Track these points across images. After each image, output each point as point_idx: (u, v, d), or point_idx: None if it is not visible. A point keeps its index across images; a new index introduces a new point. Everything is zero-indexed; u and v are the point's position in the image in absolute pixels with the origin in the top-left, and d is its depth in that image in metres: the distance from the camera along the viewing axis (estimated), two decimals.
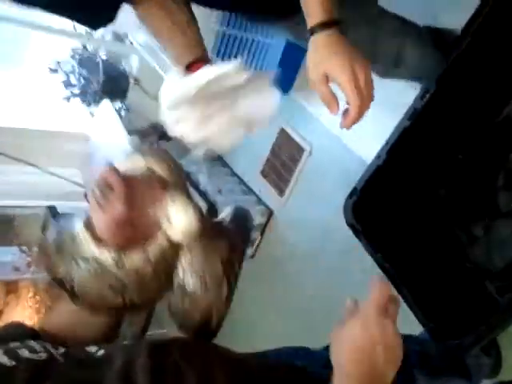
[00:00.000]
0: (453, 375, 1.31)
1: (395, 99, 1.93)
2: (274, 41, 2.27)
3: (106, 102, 2.55)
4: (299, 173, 2.43)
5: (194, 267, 0.71)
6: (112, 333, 0.78)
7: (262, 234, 2.66)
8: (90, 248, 0.63)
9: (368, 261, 1.32)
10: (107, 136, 2.56)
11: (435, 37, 1.58)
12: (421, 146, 1.25)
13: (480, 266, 1.18)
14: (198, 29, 1.12)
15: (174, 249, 0.69)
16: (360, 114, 0.88)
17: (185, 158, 2.85)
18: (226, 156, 2.97)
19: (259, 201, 2.70)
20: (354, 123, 0.90)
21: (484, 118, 1.27)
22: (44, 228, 0.72)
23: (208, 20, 2.20)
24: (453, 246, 1.26)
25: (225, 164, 2.95)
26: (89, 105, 2.63)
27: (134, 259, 0.65)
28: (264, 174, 2.65)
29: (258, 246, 2.68)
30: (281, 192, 2.53)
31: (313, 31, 0.86)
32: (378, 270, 1.25)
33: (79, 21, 1.09)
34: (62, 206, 2.57)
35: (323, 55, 0.86)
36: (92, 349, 0.66)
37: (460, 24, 1.15)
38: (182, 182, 0.73)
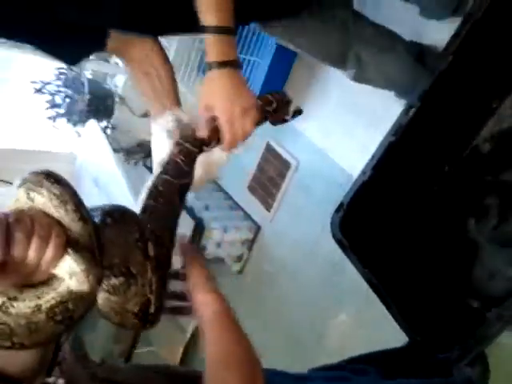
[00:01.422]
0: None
1: (380, 114, 1.96)
2: (260, 59, 2.29)
3: (92, 121, 2.55)
4: (286, 188, 2.45)
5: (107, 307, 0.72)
6: (42, 367, 0.74)
7: (249, 249, 2.66)
8: None
9: (355, 275, 1.32)
10: (94, 155, 2.56)
11: (416, 50, 1.63)
12: (407, 161, 1.26)
13: (467, 284, 1.19)
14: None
15: (80, 296, 0.65)
16: (230, 148, 0.98)
17: None
18: None
19: (246, 216, 2.71)
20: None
21: (467, 131, 1.30)
22: None
23: (194, 39, 2.22)
24: (440, 261, 1.27)
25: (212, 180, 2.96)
26: (75, 125, 2.63)
27: (22, 307, 0.61)
28: (251, 189, 2.66)
29: (245, 261, 2.68)
30: (268, 207, 2.54)
31: (209, 66, 0.95)
32: (366, 285, 1.26)
33: (59, 57, 1.16)
34: None
35: (211, 91, 0.95)
36: (50, 380, 0.67)
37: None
38: (85, 234, 0.65)
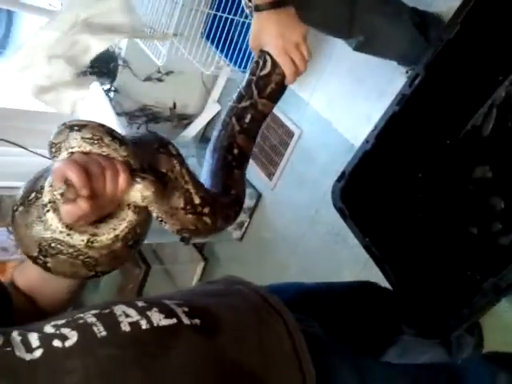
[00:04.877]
0: (436, 343, 1.32)
1: (383, 86, 1.95)
2: None
3: (95, 83, 2.53)
4: (289, 156, 2.44)
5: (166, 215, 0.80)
6: (80, 290, 0.82)
7: (250, 216, 2.67)
8: (60, 234, 0.67)
9: (355, 244, 1.34)
10: (96, 118, 2.54)
11: (419, 19, 1.60)
12: (409, 131, 1.26)
13: (466, 254, 1.20)
14: None
15: (143, 217, 0.73)
16: (294, 79, 1.02)
17: (174, 140, 2.85)
18: None
19: (248, 183, 2.71)
20: (292, 83, 1.04)
21: (471, 104, 1.29)
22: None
23: (198, 3, 2.19)
24: (440, 230, 1.28)
25: None
26: None
27: (104, 239, 0.69)
28: (253, 156, 2.65)
29: (246, 228, 2.70)
30: (270, 175, 2.55)
31: (257, 8, 0.98)
32: (365, 254, 1.27)
33: None
34: None
35: (262, 30, 0.99)
36: None
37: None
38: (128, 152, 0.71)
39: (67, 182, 0.62)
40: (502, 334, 1.44)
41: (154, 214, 0.79)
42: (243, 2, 1.02)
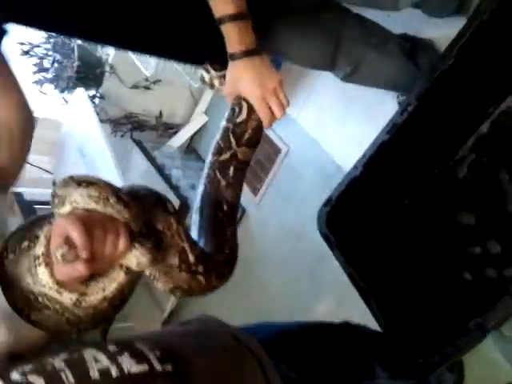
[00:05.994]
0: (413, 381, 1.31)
1: (374, 109, 1.94)
2: None
3: (80, 89, 2.49)
4: (274, 173, 2.42)
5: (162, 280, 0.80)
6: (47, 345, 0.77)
7: None
8: (50, 290, 0.65)
9: (338, 268, 1.31)
10: (80, 124, 2.50)
11: (410, 45, 1.58)
12: (398, 160, 1.25)
13: (451, 290, 1.19)
14: None
15: (132, 280, 0.71)
16: (271, 124, 1.04)
17: (159, 150, 2.81)
18: (200, 150, 2.94)
19: None
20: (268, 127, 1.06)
21: (461, 135, 1.28)
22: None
23: None
24: (426, 263, 1.26)
25: (199, 158, 2.92)
26: (62, 91, 2.56)
27: (92, 299, 0.67)
28: None
29: None
30: (255, 191, 2.52)
31: (232, 57, 0.99)
32: (347, 279, 1.25)
33: None
34: (28, 192, 2.52)
35: (238, 78, 0.99)
36: None
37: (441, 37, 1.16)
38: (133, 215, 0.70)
39: (68, 241, 0.60)
40: (485, 370, 1.42)
41: (148, 272, 0.79)
42: (200, 76, 1.06)
